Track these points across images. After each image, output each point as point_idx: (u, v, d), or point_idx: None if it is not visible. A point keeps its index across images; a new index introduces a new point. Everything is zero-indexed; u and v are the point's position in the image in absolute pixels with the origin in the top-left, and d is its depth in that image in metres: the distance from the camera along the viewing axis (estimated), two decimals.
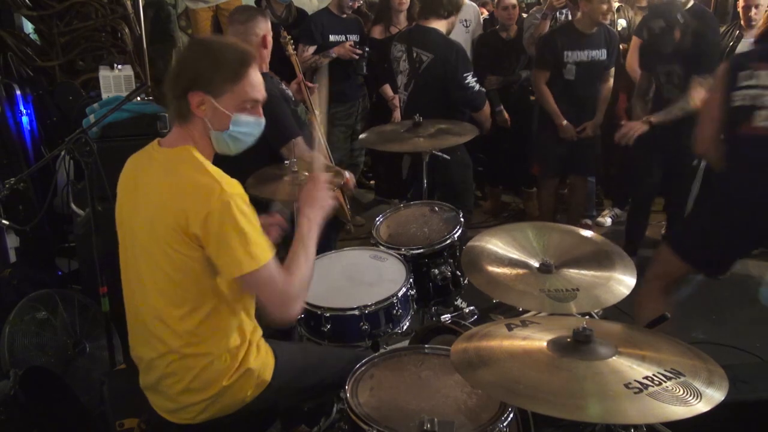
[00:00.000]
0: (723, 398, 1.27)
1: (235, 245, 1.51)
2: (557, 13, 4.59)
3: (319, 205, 1.77)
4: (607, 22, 4.01)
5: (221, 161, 1.68)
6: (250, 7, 2.96)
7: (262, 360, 1.74)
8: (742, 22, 4.08)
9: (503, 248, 2.04)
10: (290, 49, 3.30)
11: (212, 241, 1.52)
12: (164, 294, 1.62)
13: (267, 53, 2.89)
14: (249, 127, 1.67)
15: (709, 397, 1.26)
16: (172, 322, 1.62)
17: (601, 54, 4.02)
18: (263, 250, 1.56)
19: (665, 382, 1.28)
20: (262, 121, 1.70)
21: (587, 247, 2.03)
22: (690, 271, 2.72)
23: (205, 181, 1.55)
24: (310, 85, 3.35)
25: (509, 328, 1.58)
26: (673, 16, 3.49)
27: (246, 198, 1.58)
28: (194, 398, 1.66)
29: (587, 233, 2.12)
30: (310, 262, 1.68)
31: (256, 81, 1.64)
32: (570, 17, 4.46)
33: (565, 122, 4.08)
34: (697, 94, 3.41)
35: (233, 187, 1.56)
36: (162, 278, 1.61)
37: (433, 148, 3.01)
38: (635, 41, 4.26)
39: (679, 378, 1.30)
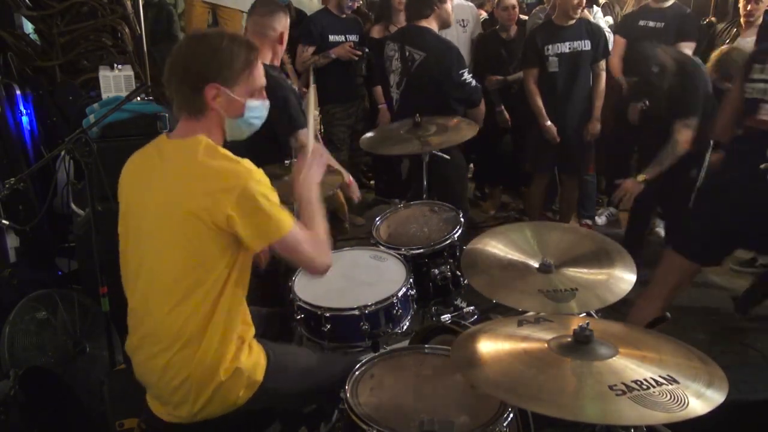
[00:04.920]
0: (712, 408, 1.25)
1: (267, 216, 1.63)
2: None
3: (316, 178, 1.91)
4: (578, 15, 3.97)
5: None
6: (273, 0, 2.94)
7: (254, 360, 1.75)
8: (741, 20, 4.08)
9: (503, 250, 2.04)
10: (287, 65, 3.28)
11: (245, 217, 1.60)
12: (169, 287, 1.64)
13: (281, 49, 2.90)
14: (260, 110, 1.80)
15: (704, 401, 1.25)
16: (173, 316, 1.63)
17: (584, 44, 4.00)
18: (287, 215, 1.68)
19: (653, 387, 1.28)
20: (268, 103, 1.83)
21: (586, 245, 2.03)
22: (695, 270, 2.75)
23: (230, 165, 1.63)
24: (303, 90, 3.38)
25: (519, 323, 1.60)
26: (665, 63, 3.42)
27: (263, 173, 1.67)
28: (190, 396, 1.66)
29: (585, 231, 2.13)
30: (322, 216, 1.83)
31: (261, 69, 1.79)
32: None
33: (548, 123, 4.07)
34: (683, 137, 3.31)
35: (252, 165, 1.66)
36: (169, 270, 1.64)
37: (433, 148, 3.01)
38: (619, 41, 4.29)
39: (671, 385, 1.29)
